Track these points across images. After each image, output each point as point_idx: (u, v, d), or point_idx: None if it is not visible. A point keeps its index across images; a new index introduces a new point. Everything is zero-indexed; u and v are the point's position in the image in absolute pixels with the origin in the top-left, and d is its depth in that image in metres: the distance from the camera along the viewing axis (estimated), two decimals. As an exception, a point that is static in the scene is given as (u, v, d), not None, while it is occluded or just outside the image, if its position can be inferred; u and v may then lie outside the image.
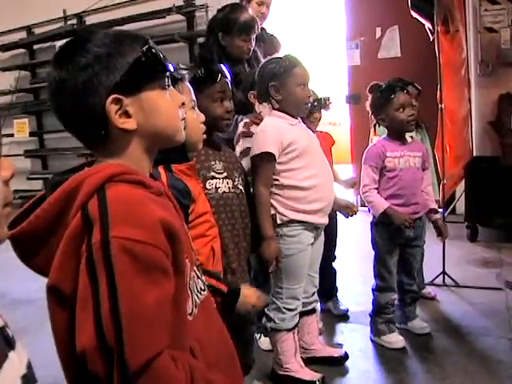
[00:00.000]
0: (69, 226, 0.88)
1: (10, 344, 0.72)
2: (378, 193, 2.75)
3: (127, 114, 0.95)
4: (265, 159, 2.25)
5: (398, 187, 2.72)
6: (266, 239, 2.21)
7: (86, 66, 0.92)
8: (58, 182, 0.96)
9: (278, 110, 2.32)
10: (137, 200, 0.90)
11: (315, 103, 2.87)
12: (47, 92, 0.98)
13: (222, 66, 1.99)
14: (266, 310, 2.44)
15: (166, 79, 1.01)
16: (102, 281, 0.82)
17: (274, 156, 2.24)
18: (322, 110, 3.03)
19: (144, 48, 0.96)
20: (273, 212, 2.30)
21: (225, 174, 1.96)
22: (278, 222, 2.29)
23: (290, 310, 2.37)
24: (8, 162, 0.72)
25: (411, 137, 3.04)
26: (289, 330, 2.39)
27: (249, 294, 1.56)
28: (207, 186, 1.89)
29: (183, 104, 1.06)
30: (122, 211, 0.87)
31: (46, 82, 0.99)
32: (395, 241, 2.76)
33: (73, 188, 0.91)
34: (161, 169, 1.48)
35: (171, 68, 1.01)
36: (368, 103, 2.84)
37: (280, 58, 2.37)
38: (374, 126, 2.87)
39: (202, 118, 1.65)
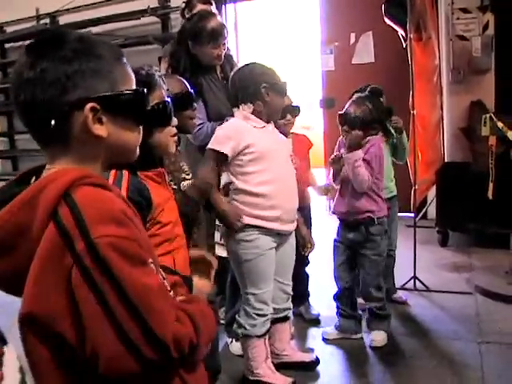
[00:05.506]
0: (36, 239, 0.84)
1: (3, 339, 0.73)
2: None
3: (100, 121, 0.93)
4: (215, 155, 2.30)
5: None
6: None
7: (71, 59, 0.89)
8: (12, 194, 0.90)
9: (257, 112, 2.32)
10: (105, 198, 0.89)
11: (292, 108, 2.87)
12: (14, 80, 0.91)
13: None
14: (236, 316, 2.44)
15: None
16: (103, 282, 0.82)
17: (225, 156, 2.28)
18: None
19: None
20: None
21: (191, 175, 1.99)
22: None
23: (259, 315, 2.36)
24: None
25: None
26: (259, 337, 2.38)
27: (201, 285, 1.54)
28: (181, 188, 1.90)
29: None
30: (95, 211, 0.85)
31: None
32: (339, 238, 2.87)
33: (33, 196, 0.87)
34: (125, 171, 1.44)
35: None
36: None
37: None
38: None
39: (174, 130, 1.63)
